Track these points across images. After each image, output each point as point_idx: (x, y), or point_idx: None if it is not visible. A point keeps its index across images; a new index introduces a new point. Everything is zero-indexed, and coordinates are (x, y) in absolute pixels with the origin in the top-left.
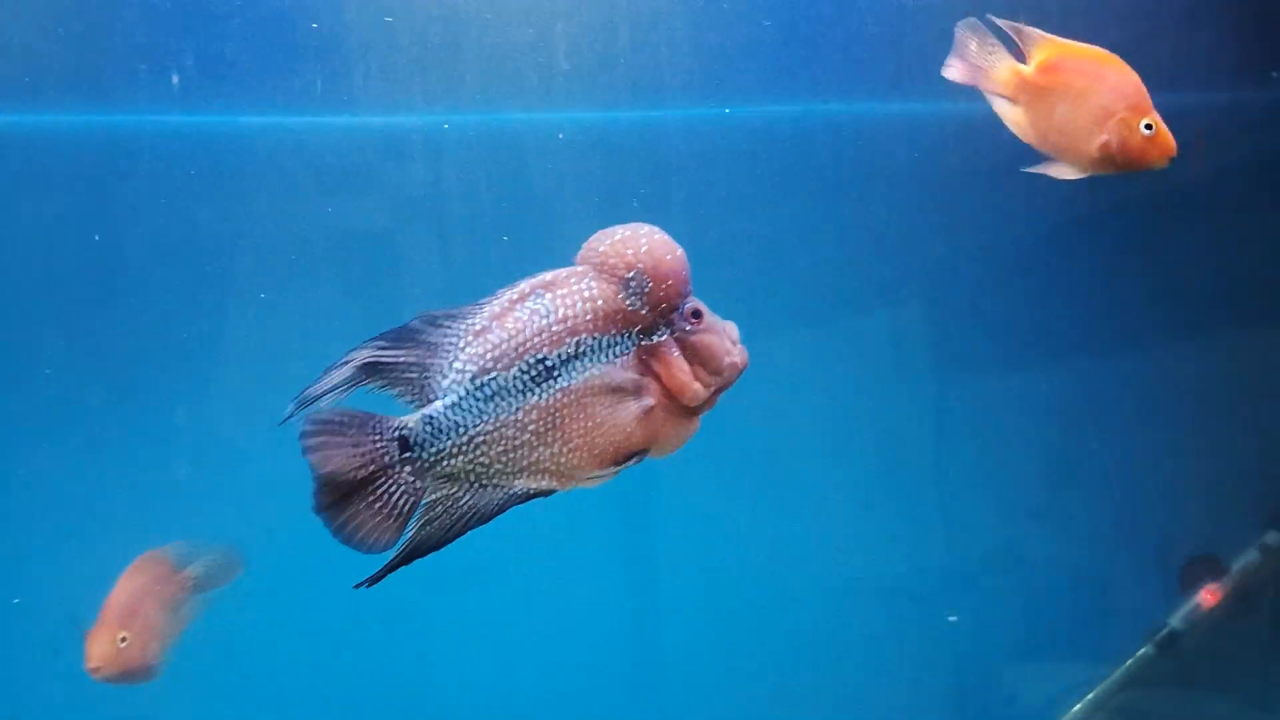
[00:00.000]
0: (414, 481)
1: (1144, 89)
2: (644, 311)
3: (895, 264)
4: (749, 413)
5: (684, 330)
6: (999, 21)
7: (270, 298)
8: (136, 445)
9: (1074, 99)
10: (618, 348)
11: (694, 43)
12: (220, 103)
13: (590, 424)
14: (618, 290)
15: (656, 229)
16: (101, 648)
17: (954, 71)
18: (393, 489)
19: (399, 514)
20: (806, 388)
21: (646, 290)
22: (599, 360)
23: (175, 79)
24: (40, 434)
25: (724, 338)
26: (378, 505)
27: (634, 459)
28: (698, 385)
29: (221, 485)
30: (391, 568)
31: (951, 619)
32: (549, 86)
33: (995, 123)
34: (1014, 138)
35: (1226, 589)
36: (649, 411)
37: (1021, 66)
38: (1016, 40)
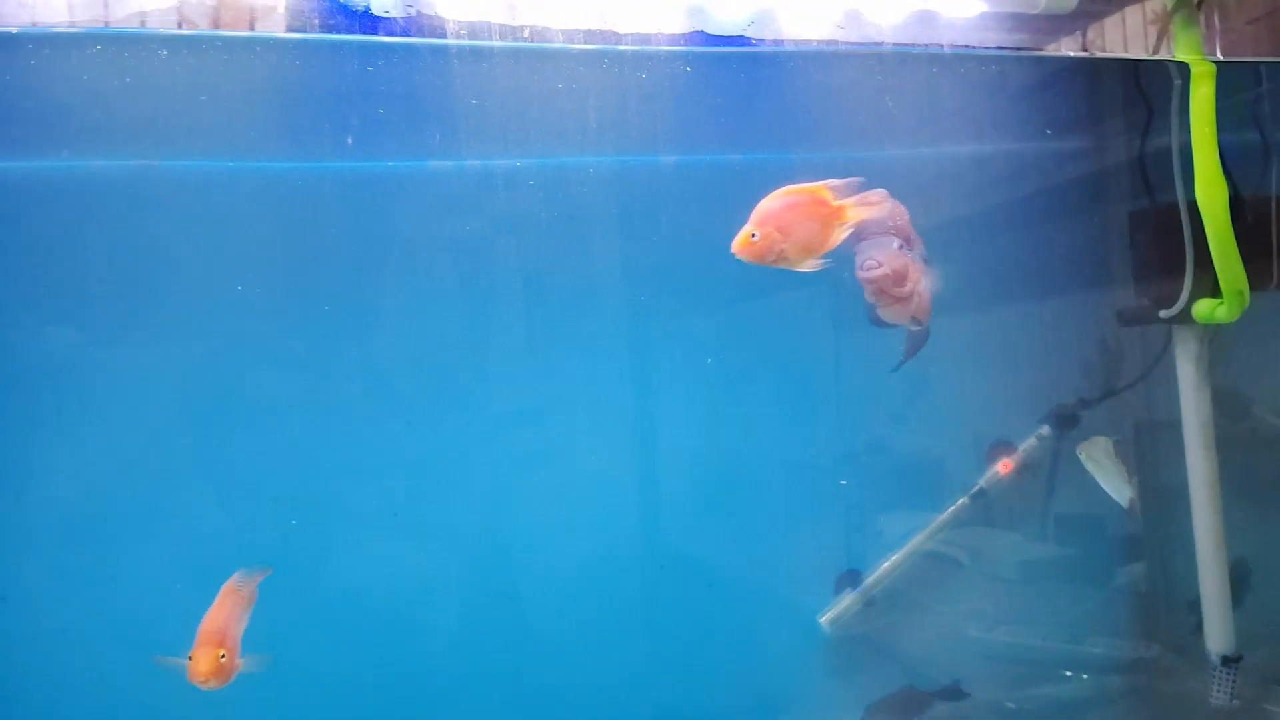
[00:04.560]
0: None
1: (765, 210)
2: None
3: None
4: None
5: None
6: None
7: None
8: None
9: None
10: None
11: None
12: None
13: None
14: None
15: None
16: (208, 663)
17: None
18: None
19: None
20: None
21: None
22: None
23: None
24: None
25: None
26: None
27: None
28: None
29: None
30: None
31: (842, 482)
32: None
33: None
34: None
35: (1015, 461)
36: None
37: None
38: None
